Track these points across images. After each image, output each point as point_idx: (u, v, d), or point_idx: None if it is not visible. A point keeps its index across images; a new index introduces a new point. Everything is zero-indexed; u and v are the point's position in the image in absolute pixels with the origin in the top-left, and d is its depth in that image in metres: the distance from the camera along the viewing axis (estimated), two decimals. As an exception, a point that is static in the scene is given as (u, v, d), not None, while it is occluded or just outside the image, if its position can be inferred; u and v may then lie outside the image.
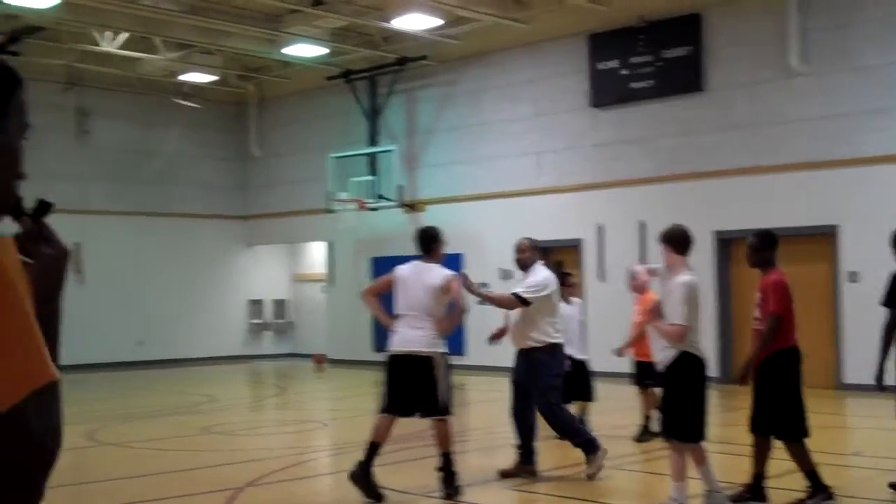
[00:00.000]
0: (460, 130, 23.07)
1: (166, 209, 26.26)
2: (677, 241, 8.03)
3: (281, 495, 9.29)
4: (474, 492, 9.07)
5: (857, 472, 10.16)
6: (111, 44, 21.78)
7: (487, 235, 22.09)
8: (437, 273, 8.95)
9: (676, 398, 7.87)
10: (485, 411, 16.38)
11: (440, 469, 8.91)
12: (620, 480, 9.93)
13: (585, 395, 12.11)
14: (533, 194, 21.53)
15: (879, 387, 8.53)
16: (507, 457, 10.36)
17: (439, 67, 23.24)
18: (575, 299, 12.40)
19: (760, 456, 8.26)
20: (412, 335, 8.79)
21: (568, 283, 12.08)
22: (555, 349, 9.72)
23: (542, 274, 9.78)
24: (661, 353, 8.16)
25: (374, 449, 8.73)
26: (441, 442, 8.89)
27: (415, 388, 8.80)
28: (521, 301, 9.52)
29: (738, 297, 18.09)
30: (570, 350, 11.87)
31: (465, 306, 9.20)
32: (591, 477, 9.47)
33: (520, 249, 9.92)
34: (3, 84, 1.84)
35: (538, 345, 9.63)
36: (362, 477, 8.65)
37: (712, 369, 8.14)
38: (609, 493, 9.36)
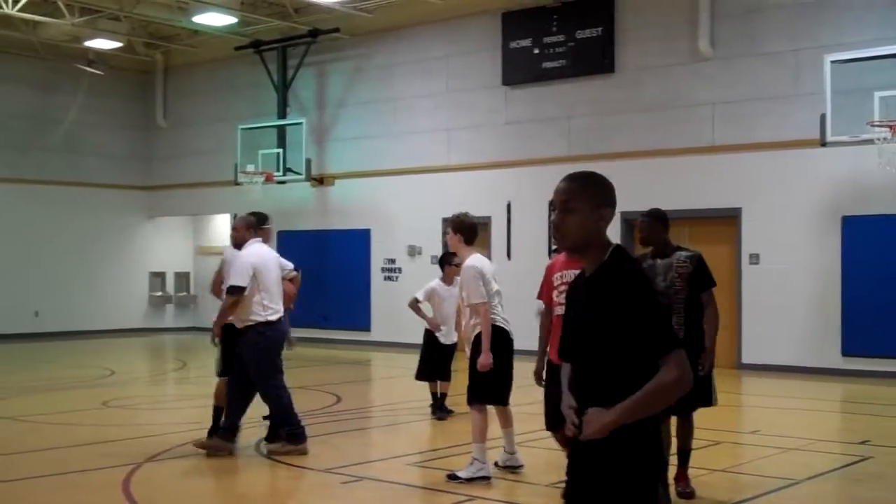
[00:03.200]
0: (371, 105, 22.91)
1: (67, 178, 25.63)
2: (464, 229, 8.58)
3: (181, 470, 9.14)
4: (375, 468, 9.05)
5: (755, 450, 10.35)
6: (13, 6, 21.09)
7: (396, 211, 22.04)
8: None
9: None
10: (387, 387, 16.38)
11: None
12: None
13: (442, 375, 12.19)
14: (443, 171, 21.50)
15: None
16: (409, 433, 10.26)
17: (351, 41, 23.02)
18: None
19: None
20: None
21: (452, 264, 12.19)
22: (264, 327, 9.45)
23: (246, 255, 9.51)
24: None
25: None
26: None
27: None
28: (238, 290, 9.28)
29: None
30: (448, 330, 12.02)
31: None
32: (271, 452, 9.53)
33: (233, 228, 9.84)
34: None
35: (249, 323, 9.44)
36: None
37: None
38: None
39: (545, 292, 7.66)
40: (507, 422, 8.68)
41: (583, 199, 3.56)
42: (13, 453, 9.91)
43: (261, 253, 9.55)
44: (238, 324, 9.45)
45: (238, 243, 9.66)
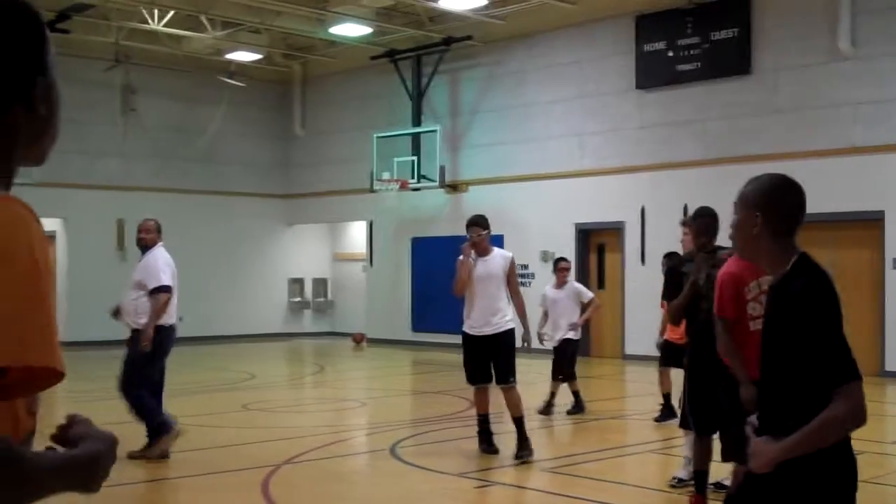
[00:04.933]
0: (504, 111, 22.99)
1: (209, 187, 26.40)
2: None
3: (318, 473, 9.34)
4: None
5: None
6: (158, 22, 21.87)
7: (529, 217, 22.05)
8: None
9: None
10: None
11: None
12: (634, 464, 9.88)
13: (568, 373, 12.64)
14: (576, 176, 21.42)
15: None
16: (541, 438, 10.24)
17: (484, 48, 23.15)
18: (573, 284, 12.94)
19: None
20: None
21: (560, 268, 12.53)
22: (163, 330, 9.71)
23: (164, 257, 9.81)
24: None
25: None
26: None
27: None
28: (169, 289, 9.59)
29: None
30: (557, 333, 12.46)
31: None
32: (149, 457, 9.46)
33: (144, 230, 9.92)
34: (37, 27, 1.81)
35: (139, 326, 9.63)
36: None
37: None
38: (624, 475, 9.33)
39: (732, 305, 6.56)
40: None
41: (744, 203, 3.44)
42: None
43: (169, 258, 9.89)
44: (135, 325, 9.68)
45: (148, 245, 9.88)
